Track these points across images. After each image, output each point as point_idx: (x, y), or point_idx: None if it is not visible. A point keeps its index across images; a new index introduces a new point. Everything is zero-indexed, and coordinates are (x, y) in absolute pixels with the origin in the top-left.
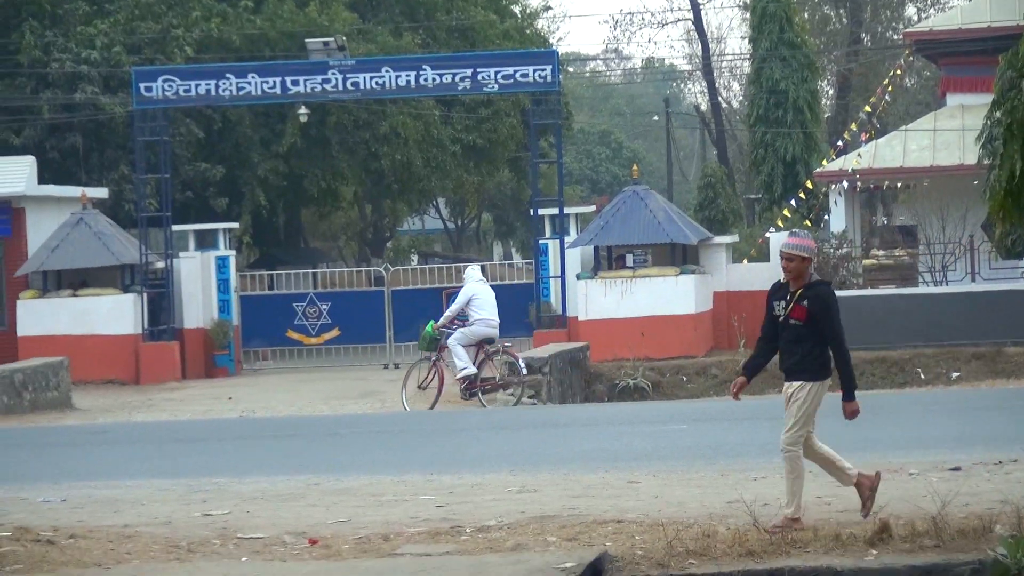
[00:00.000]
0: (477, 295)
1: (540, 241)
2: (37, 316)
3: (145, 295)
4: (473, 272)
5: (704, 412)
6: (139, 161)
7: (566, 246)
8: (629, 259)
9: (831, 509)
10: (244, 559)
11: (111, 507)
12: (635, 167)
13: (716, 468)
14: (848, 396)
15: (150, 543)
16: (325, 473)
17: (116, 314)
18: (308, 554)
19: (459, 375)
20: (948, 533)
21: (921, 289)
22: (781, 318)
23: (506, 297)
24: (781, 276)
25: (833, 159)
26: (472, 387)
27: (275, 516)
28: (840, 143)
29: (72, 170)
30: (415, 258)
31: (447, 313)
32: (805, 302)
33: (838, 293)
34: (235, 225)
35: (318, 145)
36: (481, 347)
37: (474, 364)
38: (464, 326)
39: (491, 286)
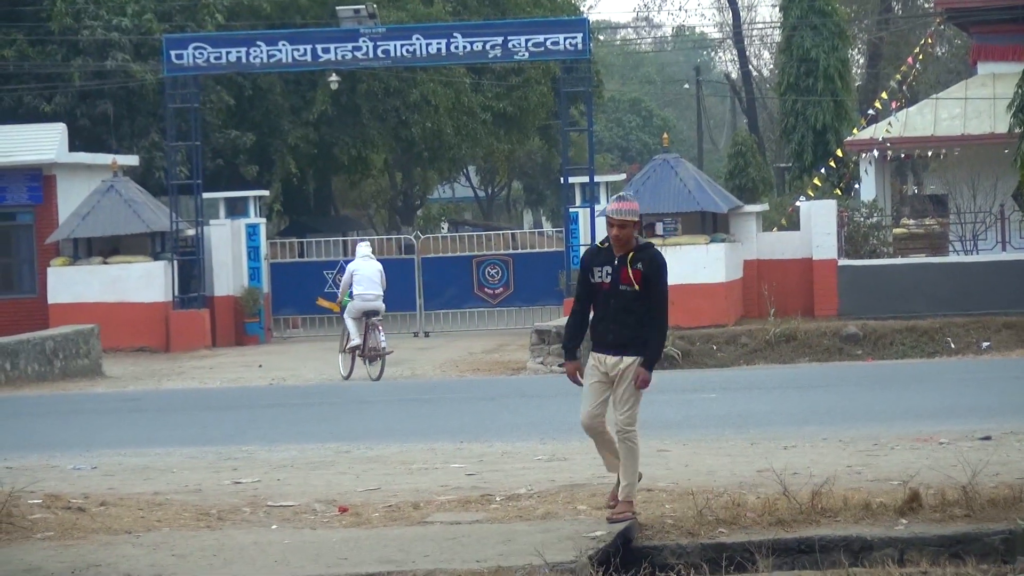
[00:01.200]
0: (357, 271)
1: (570, 209)
2: (67, 284)
3: (175, 263)
4: (360, 248)
5: (734, 381)
6: (170, 128)
7: (596, 214)
8: (659, 227)
9: (861, 478)
10: (274, 527)
11: (141, 475)
12: (665, 135)
13: (746, 437)
14: (650, 365)
15: (180, 511)
16: (355, 441)
17: (146, 282)
18: (338, 522)
19: (348, 345)
20: (978, 503)
21: (951, 258)
22: (607, 285)
23: (536, 265)
24: (605, 241)
25: (863, 128)
26: (362, 355)
27: (305, 484)
28: (871, 112)
29: (103, 137)
30: (445, 226)
31: (341, 288)
32: (639, 265)
33: (869, 262)
34: (265, 193)
35: (348, 113)
36: (365, 320)
37: (361, 336)
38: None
39: (518, 254)
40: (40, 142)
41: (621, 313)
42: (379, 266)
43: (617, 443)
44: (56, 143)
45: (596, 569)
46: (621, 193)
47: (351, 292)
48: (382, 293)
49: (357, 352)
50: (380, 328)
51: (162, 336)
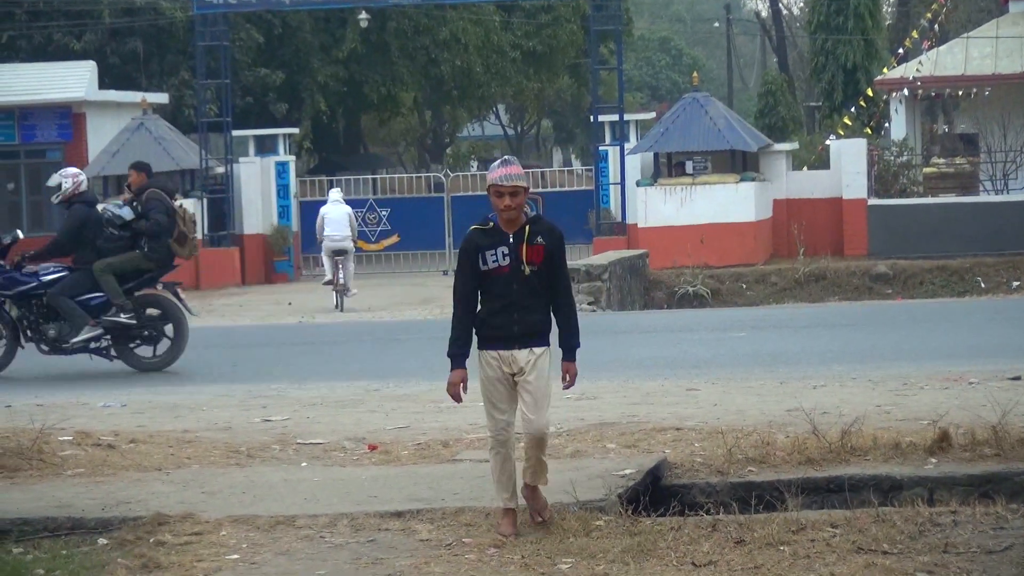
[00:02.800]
0: (327, 215)
1: (600, 148)
2: None
3: (205, 200)
4: (331, 194)
5: (763, 319)
6: (199, 66)
7: (626, 153)
8: (689, 166)
9: (891, 418)
10: (304, 464)
11: (171, 412)
12: (695, 74)
13: (775, 376)
14: (573, 355)
15: (210, 448)
16: (385, 379)
17: None
18: (367, 460)
19: (323, 281)
20: (1008, 442)
21: (982, 197)
22: (506, 268)
23: (566, 204)
24: (487, 221)
25: (894, 67)
26: (334, 289)
27: (334, 422)
28: (901, 51)
29: (132, 75)
30: (475, 164)
31: (316, 230)
32: (540, 239)
33: (899, 202)
34: (295, 131)
35: (378, 51)
36: (335, 258)
37: (333, 272)
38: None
39: (547, 192)
40: (70, 80)
41: (528, 298)
42: (348, 210)
43: (532, 446)
44: (86, 81)
45: (625, 507)
46: (505, 157)
47: (323, 231)
48: (349, 235)
49: (332, 287)
50: (344, 267)
51: (191, 274)
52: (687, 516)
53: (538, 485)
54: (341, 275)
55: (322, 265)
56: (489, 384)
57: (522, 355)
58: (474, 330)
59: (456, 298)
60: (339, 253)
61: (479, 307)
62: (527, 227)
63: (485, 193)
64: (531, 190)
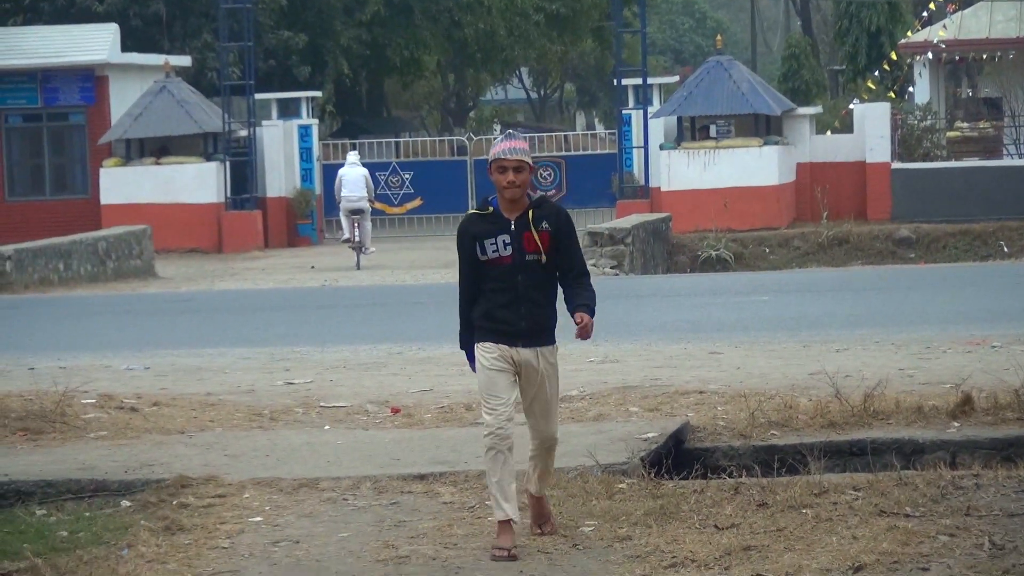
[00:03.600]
0: (344, 176)
1: (623, 111)
2: (120, 184)
3: (228, 164)
4: (349, 156)
5: (786, 283)
6: (222, 29)
7: (649, 116)
8: (712, 129)
9: (913, 381)
10: (326, 427)
11: (194, 375)
12: (719, 37)
13: (798, 339)
14: (588, 310)
15: (233, 411)
16: (407, 342)
17: (199, 183)
18: (390, 423)
19: (342, 239)
20: None
21: (1005, 161)
22: (508, 259)
23: (589, 167)
24: (485, 205)
25: (918, 30)
26: (352, 248)
27: (357, 385)
28: (925, 14)
29: (155, 38)
30: (498, 128)
31: (335, 191)
32: (545, 225)
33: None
34: (318, 94)
35: (401, 13)
36: (352, 217)
37: (350, 231)
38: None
39: (570, 156)
40: (92, 43)
41: (533, 291)
42: (364, 171)
43: (541, 455)
44: (108, 44)
45: (648, 470)
46: (509, 131)
47: (341, 192)
48: (366, 195)
49: (350, 244)
50: (361, 225)
51: (214, 237)
52: (709, 479)
53: (544, 494)
54: (358, 233)
55: (342, 226)
56: (488, 377)
57: (529, 355)
58: (475, 322)
59: (460, 288)
60: (356, 212)
61: (480, 299)
62: (531, 211)
63: None
64: (555, 155)
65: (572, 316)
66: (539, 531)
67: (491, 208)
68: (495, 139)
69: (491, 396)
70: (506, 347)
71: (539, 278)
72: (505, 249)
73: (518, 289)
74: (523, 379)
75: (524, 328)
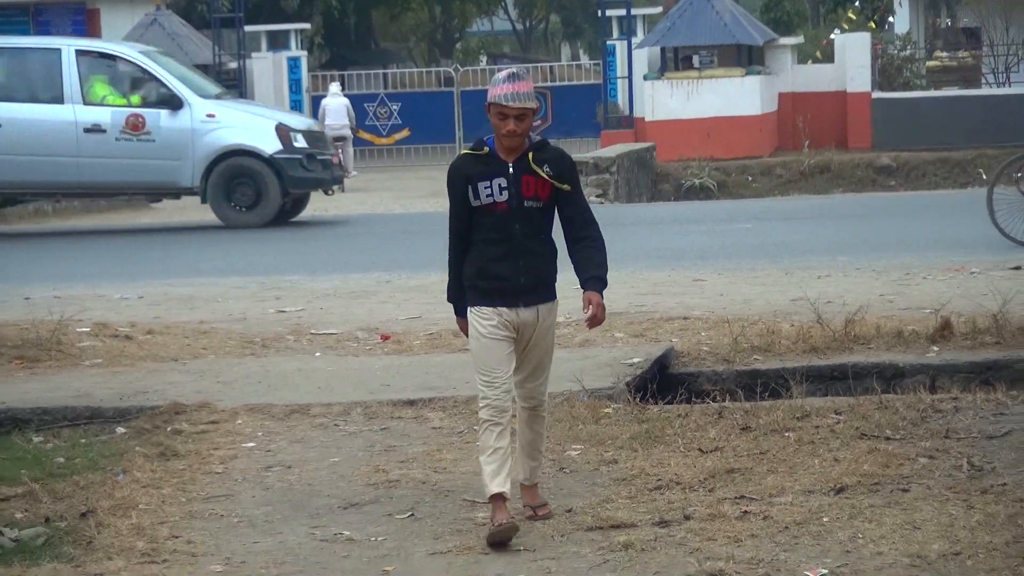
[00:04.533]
0: (327, 106)
1: (607, 42)
2: None
3: None
4: (331, 87)
5: (769, 211)
6: None
7: (633, 47)
8: (695, 60)
9: (893, 307)
10: (317, 354)
11: (187, 304)
12: None
13: (780, 266)
14: (598, 285)
15: (225, 339)
16: (397, 271)
17: None
18: (380, 350)
19: None
20: (1009, 330)
21: (984, 91)
22: (503, 205)
23: (573, 98)
24: (481, 145)
25: None
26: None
27: (347, 313)
28: None
29: None
30: (484, 59)
31: (318, 119)
32: (546, 168)
33: (902, 95)
34: (307, 26)
35: None
36: (334, 143)
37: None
38: None
39: (556, 87)
40: None
41: (531, 240)
42: (346, 101)
43: (527, 421)
44: None
45: (633, 395)
46: (512, 69)
47: (324, 120)
48: (347, 123)
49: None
50: (344, 151)
51: None
52: (694, 404)
53: (536, 482)
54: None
55: None
56: (483, 346)
57: (529, 315)
58: (466, 283)
59: (450, 233)
60: (339, 139)
61: (472, 251)
62: (530, 154)
63: None
64: (540, 85)
65: (582, 289)
66: (533, 514)
67: (487, 148)
68: (495, 75)
69: (488, 368)
70: (505, 309)
71: (538, 226)
72: (501, 194)
73: (515, 239)
74: (519, 337)
75: (524, 284)
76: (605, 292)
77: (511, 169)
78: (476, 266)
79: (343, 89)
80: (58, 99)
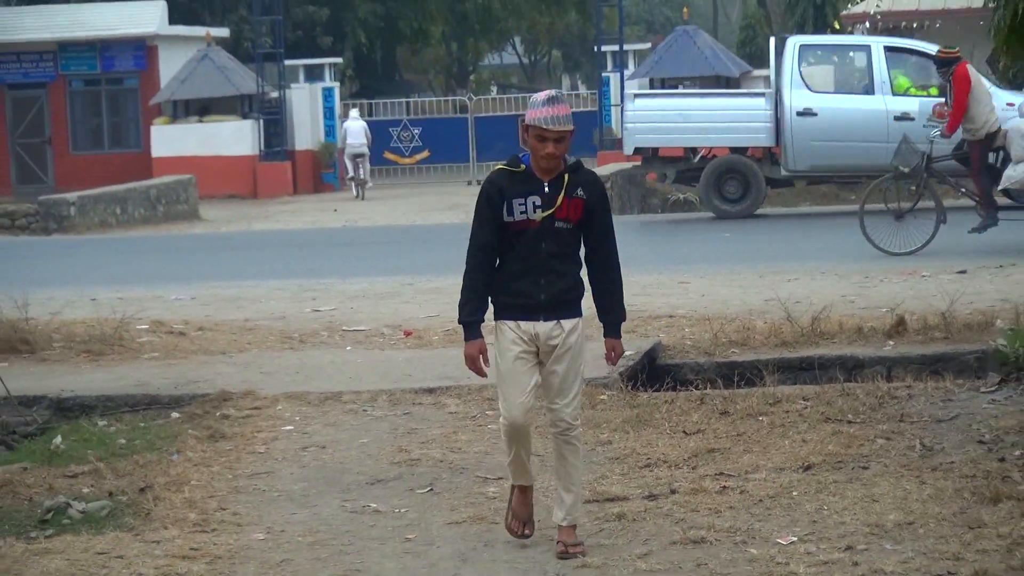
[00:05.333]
0: (349, 128)
1: (603, 74)
2: (168, 139)
3: (261, 121)
4: (350, 113)
5: (745, 222)
6: (256, 4)
7: (625, 78)
8: (680, 89)
9: (854, 306)
10: (348, 348)
11: (234, 304)
12: (685, 9)
13: (755, 271)
14: (618, 331)
15: (267, 334)
16: (418, 275)
17: (237, 137)
18: (403, 344)
19: (347, 177)
20: (955, 327)
21: None
22: (535, 223)
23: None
24: (516, 162)
25: (857, 3)
26: (354, 183)
27: (375, 312)
28: None
29: (198, 12)
30: (494, 89)
31: (339, 139)
32: (580, 192)
33: None
34: (339, 60)
35: None
36: (355, 160)
37: (354, 171)
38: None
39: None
40: (143, 16)
41: (557, 260)
42: (363, 124)
43: (556, 446)
44: (157, 17)
45: (626, 384)
46: (551, 92)
47: (346, 141)
48: (365, 142)
49: (353, 180)
50: (363, 166)
51: (250, 185)
52: (679, 391)
53: (573, 524)
54: (361, 172)
55: (345, 167)
56: (506, 360)
57: (547, 329)
58: (490, 296)
59: (470, 250)
60: (358, 156)
61: (499, 268)
62: (566, 175)
63: (504, 114)
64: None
65: (604, 335)
66: (564, 551)
67: (523, 166)
68: (534, 98)
69: (507, 385)
70: (525, 322)
71: (565, 247)
72: (534, 212)
73: (539, 257)
74: (542, 352)
75: (544, 301)
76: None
77: (546, 188)
78: (501, 282)
79: (371, 115)
80: (869, 90)
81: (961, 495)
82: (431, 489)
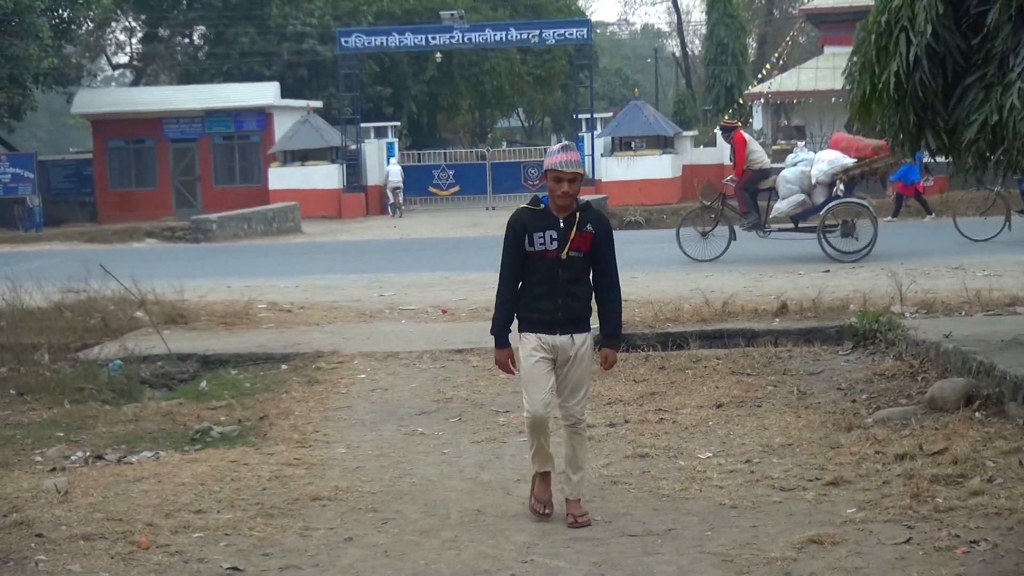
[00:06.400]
0: (389, 170)
1: (579, 134)
2: (280, 178)
3: (344, 165)
4: (390, 160)
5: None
6: (341, 84)
7: (595, 136)
8: (632, 144)
9: (752, 294)
10: (403, 321)
11: (324, 291)
12: (636, 90)
13: (683, 270)
14: (613, 343)
15: (347, 312)
16: (451, 271)
17: (327, 177)
18: (441, 319)
19: (388, 203)
20: (822, 309)
21: None
22: (552, 252)
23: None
24: (537, 203)
25: (755, 85)
26: (394, 206)
27: (422, 296)
28: (760, 76)
29: (301, 90)
30: (504, 143)
31: (383, 179)
32: (589, 227)
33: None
34: (397, 123)
35: (447, 75)
36: (394, 192)
37: (394, 198)
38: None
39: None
40: (264, 92)
41: (572, 284)
42: (399, 168)
43: (567, 436)
44: (273, 93)
45: (594, 347)
46: (565, 142)
47: (388, 178)
48: (400, 179)
49: (392, 205)
50: (397, 195)
51: (336, 209)
52: (630, 353)
53: (579, 498)
54: (400, 199)
55: (387, 197)
56: (529, 365)
57: (563, 341)
58: (516, 313)
59: (501, 275)
60: (396, 188)
61: (523, 289)
62: (578, 213)
63: (511, 160)
64: (538, 159)
65: (601, 345)
66: (574, 521)
67: (542, 205)
68: (550, 148)
69: (531, 385)
70: (545, 335)
71: (578, 273)
72: (551, 244)
73: (558, 282)
74: (558, 361)
75: (561, 318)
76: None
77: (561, 224)
78: (525, 301)
79: (419, 162)
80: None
81: (825, 425)
82: (460, 418)
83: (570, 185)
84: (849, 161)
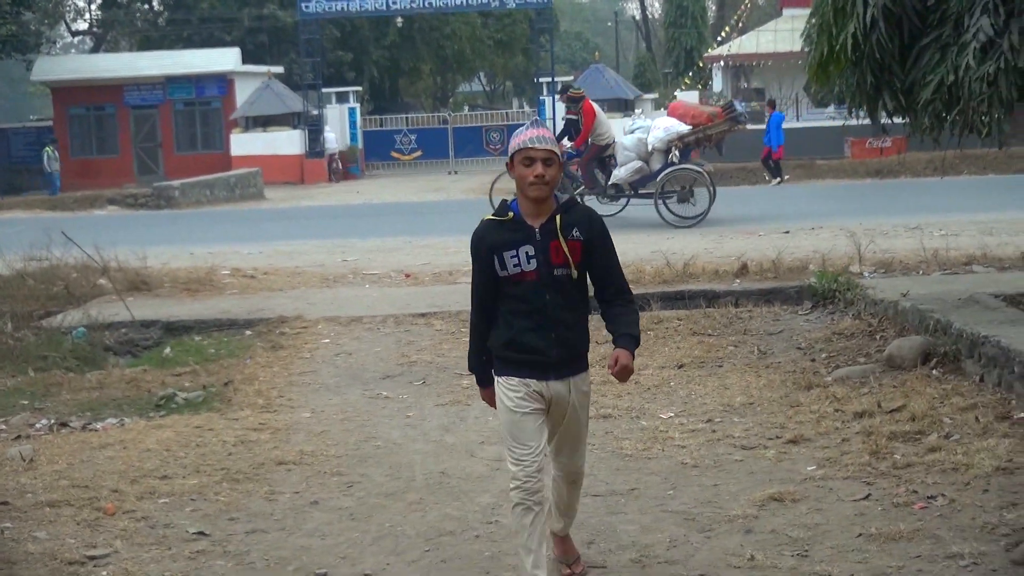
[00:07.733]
0: (326, 137)
1: (540, 97)
2: (242, 144)
3: (306, 131)
4: (326, 127)
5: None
6: (302, 50)
7: (556, 100)
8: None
9: (713, 255)
10: (366, 286)
11: (288, 256)
12: (597, 53)
13: (646, 234)
14: (629, 344)
15: (310, 277)
16: (414, 235)
17: (289, 142)
18: (404, 283)
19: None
20: (782, 270)
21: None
22: (533, 274)
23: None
24: (505, 211)
25: (715, 48)
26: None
27: (385, 261)
28: (720, 38)
29: (262, 55)
30: (466, 108)
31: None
32: (576, 232)
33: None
34: (359, 88)
35: (408, 40)
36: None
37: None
38: None
39: (509, 124)
40: (224, 59)
41: (564, 311)
42: (335, 135)
43: (563, 486)
44: (234, 59)
45: None
46: (534, 119)
47: (325, 145)
48: (337, 147)
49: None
50: (336, 161)
51: (298, 175)
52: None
53: (568, 534)
54: (337, 165)
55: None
56: (512, 420)
57: (560, 388)
58: (494, 352)
59: (472, 303)
60: (332, 154)
61: (500, 320)
62: (558, 217)
63: (473, 125)
64: (500, 123)
65: (614, 345)
66: (568, 571)
67: (511, 214)
68: (517, 130)
69: (517, 444)
70: (535, 381)
71: (569, 296)
72: (529, 263)
73: (546, 310)
74: (551, 412)
75: (555, 357)
76: None
77: (538, 235)
78: (506, 337)
79: (380, 126)
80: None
81: (785, 384)
82: (424, 382)
83: (544, 167)
84: (684, 128)
